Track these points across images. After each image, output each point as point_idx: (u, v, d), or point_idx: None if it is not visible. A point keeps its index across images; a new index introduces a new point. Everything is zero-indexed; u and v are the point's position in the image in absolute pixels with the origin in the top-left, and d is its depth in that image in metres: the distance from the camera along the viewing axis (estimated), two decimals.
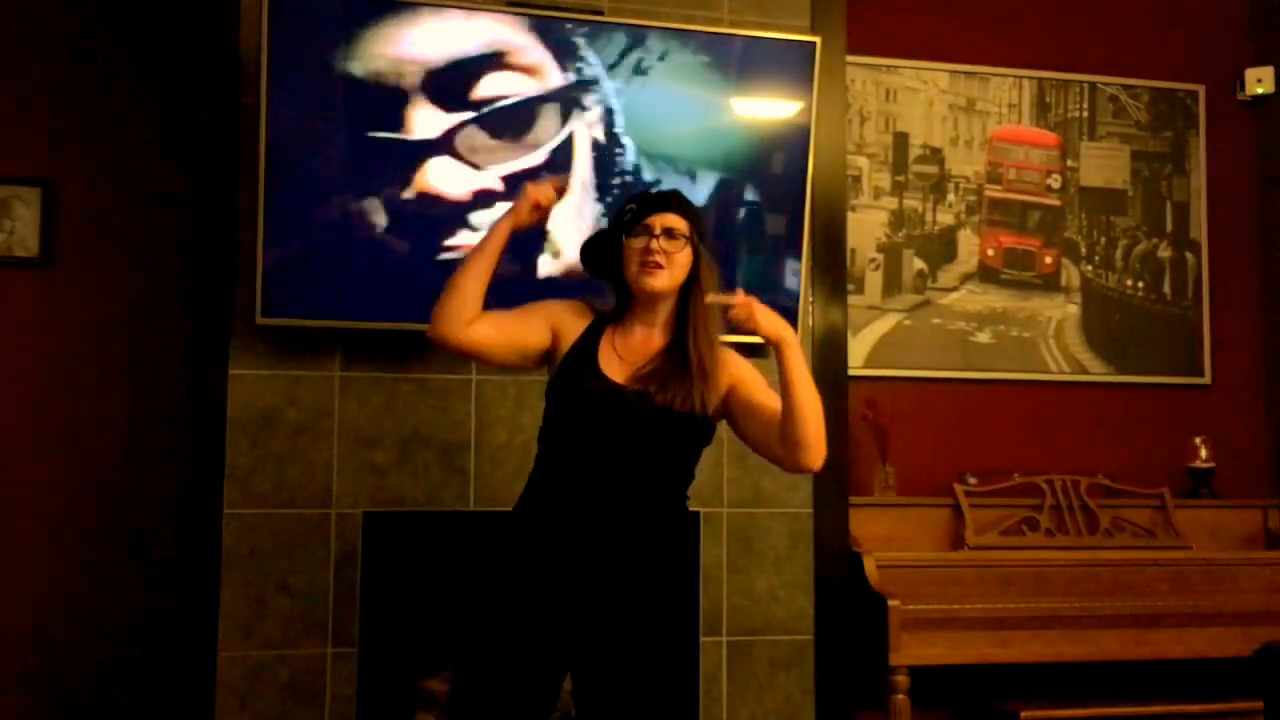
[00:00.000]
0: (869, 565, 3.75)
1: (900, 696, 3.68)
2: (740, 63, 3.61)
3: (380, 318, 3.38)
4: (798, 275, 3.65)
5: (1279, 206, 4.71)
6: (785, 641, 3.67)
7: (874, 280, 4.43)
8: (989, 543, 4.02)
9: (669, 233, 2.46)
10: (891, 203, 4.47)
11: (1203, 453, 4.37)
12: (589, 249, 2.59)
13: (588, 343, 2.50)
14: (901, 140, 4.50)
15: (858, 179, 4.41)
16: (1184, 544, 4.16)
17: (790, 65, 3.63)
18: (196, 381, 3.58)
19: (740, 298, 2.38)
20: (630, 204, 2.54)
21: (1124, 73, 4.68)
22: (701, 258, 2.50)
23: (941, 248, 4.50)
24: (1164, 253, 4.67)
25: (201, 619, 3.35)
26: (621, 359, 2.48)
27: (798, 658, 3.67)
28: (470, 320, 2.43)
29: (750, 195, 3.63)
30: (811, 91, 3.63)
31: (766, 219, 3.65)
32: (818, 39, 3.67)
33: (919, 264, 4.47)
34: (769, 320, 2.38)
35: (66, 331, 3.83)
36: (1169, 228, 4.69)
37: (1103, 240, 4.63)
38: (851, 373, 4.01)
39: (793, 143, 3.64)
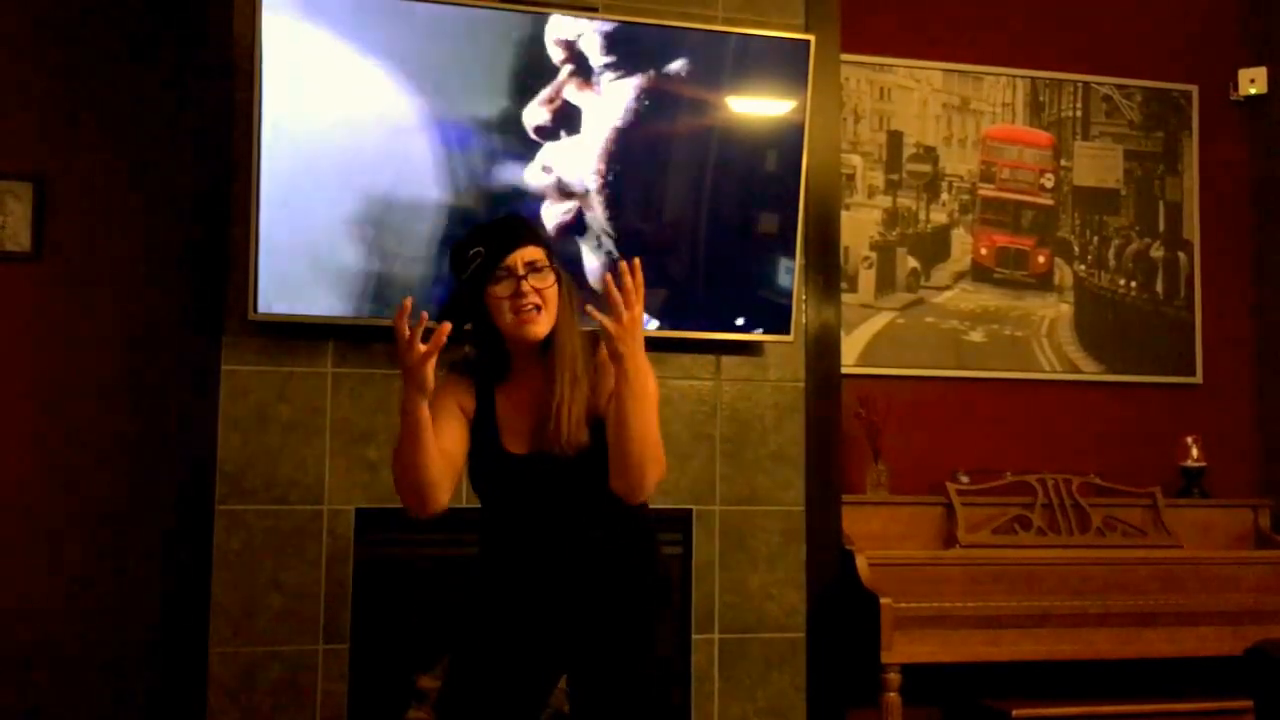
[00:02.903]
0: (861, 563, 3.76)
1: (892, 694, 3.69)
2: (734, 61, 3.61)
3: (373, 313, 3.37)
4: (791, 273, 3.65)
5: (1272, 207, 4.72)
6: (777, 639, 3.67)
7: (867, 279, 4.43)
8: (981, 541, 4.03)
9: (532, 267, 2.25)
10: (885, 201, 4.48)
11: (1194, 452, 4.38)
12: (450, 315, 2.26)
13: (485, 418, 2.34)
14: (895, 139, 4.50)
15: (851, 177, 4.42)
16: (1175, 543, 4.17)
17: (784, 64, 3.63)
18: (188, 377, 3.57)
19: (619, 326, 2.14)
20: (475, 248, 2.28)
21: (1118, 72, 4.68)
22: (562, 281, 2.30)
23: (935, 246, 4.51)
24: (1157, 252, 4.68)
25: (193, 615, 3.35)
26: (521, 416, 2.32)
27: (790, 655, 3.68)
28: (443, 486, 2.28)
29: (744, 193, 3.63)
30: (805, 90, 3.63)
31: (760, 217, 3.65)
32: (812, 37, 3.67)
33: (912, 263, 4.48)
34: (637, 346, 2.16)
35: (58, 327, 3.81)
36: (1162, 227, 4.69)
37: (1096, 240, 4.64)
38: (844, 371, 4.00)
39: (787, 141, 3.64)
